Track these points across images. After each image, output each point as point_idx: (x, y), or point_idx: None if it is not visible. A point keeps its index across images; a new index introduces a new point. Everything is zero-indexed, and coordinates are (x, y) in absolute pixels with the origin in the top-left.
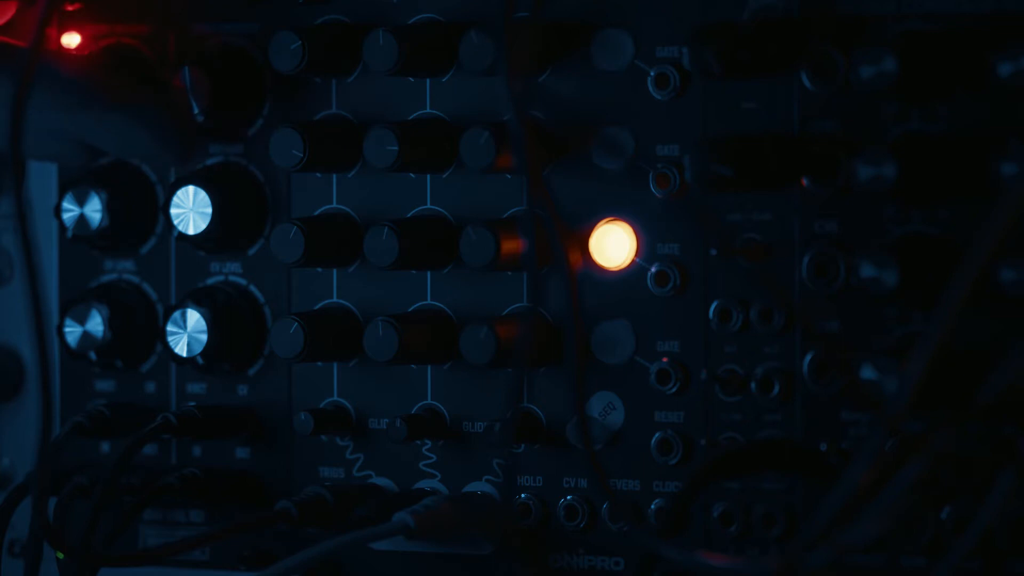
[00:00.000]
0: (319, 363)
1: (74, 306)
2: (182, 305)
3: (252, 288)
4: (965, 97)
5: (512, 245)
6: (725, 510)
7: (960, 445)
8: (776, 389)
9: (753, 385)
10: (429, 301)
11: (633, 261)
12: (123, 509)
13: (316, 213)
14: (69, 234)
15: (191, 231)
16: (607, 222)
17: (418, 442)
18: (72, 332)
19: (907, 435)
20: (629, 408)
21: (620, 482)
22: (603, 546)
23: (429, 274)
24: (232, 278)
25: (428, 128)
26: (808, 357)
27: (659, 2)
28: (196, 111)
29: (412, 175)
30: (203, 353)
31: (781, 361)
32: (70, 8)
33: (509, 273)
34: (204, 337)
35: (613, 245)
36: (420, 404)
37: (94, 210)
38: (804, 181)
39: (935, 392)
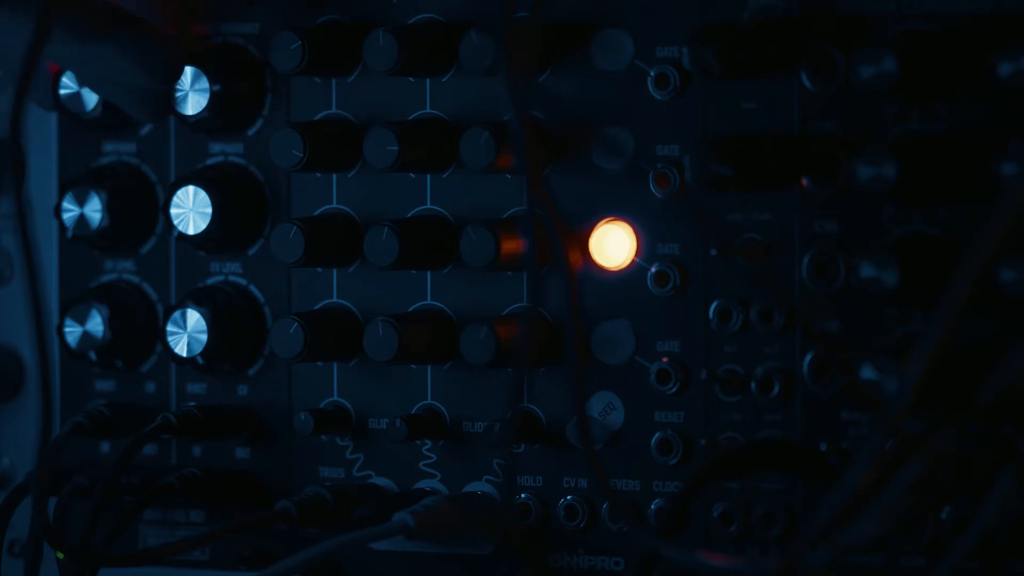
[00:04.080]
0: (319, 363)
1: (74, 306)
2: (182, 305)
3: (252, 288)
4: (965, 97)
5: (512, 245)
6: (725, 510)
7: (960, 445)
8: (776, 389)
9: (753, 385)
10: (429, 301)
11: (633, 261)
12: (123, 509)
13: (316, 213)
14: (69, 234)
15: (191, 231)
16: (607, 222)
17: (418, 442)
18: (72, 332)
19: (907, 435)
20: (629, 408)
21: (620, 482)
22: (603, 546)
23: (429, 274)
24: (232, 278)
25: (428, 128)
26: (808, 357)
27: (659, 2)
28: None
29: (412, 175)
30: (203, 353)
31: (781, 361)
32: None
33: (509, 273)
34: (204, 337)
35: (613, 245)
36: (420, 404)
37: (94, 210)
38: (804, 181)
39: (935, 392)
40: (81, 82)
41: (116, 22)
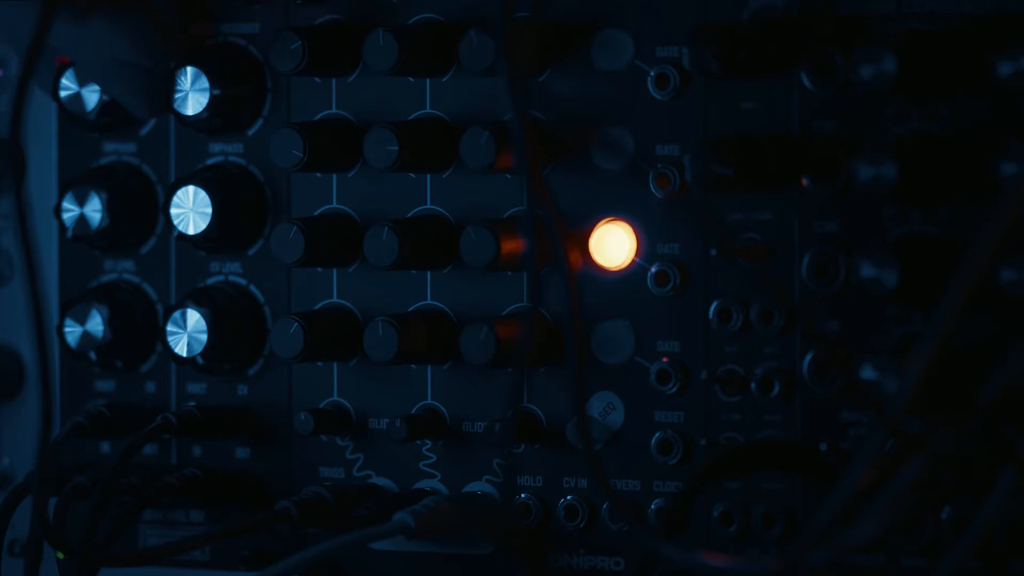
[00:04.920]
0: (319, 363)
1: (74, 306)
2: (182, 305)
3: (252, 288)
4: (965, 97)
5: (512, 245)
6: (725, 510)
7: (960, 445)
8: (776, 389)
9: (753, 385)
10: (429, 301)
11: (633, 261)
12: (123, 509)
13: (316, 213)
14: (69, 234)
15: (191, 231)
16: (607, 222)
17: (418, 442)
18: (72, 332)
19: (907, 435)
20: (629, 408)
21: (620, 482)
22: (603, 546)
23: (429, 274)
24: (232, 278)
25: (428, 128)
26: (808, 357)
27: (659, 2)
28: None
29: (412, 175)
30: (203, 353)
31: (781, 361)
32: None
33: (509, 273)
34: (204, 337)
35: (613, 245)
36: (420, 404)
37: (94, 210)
38: (804, 181)
39: (935, 392)
40: (80, 72)
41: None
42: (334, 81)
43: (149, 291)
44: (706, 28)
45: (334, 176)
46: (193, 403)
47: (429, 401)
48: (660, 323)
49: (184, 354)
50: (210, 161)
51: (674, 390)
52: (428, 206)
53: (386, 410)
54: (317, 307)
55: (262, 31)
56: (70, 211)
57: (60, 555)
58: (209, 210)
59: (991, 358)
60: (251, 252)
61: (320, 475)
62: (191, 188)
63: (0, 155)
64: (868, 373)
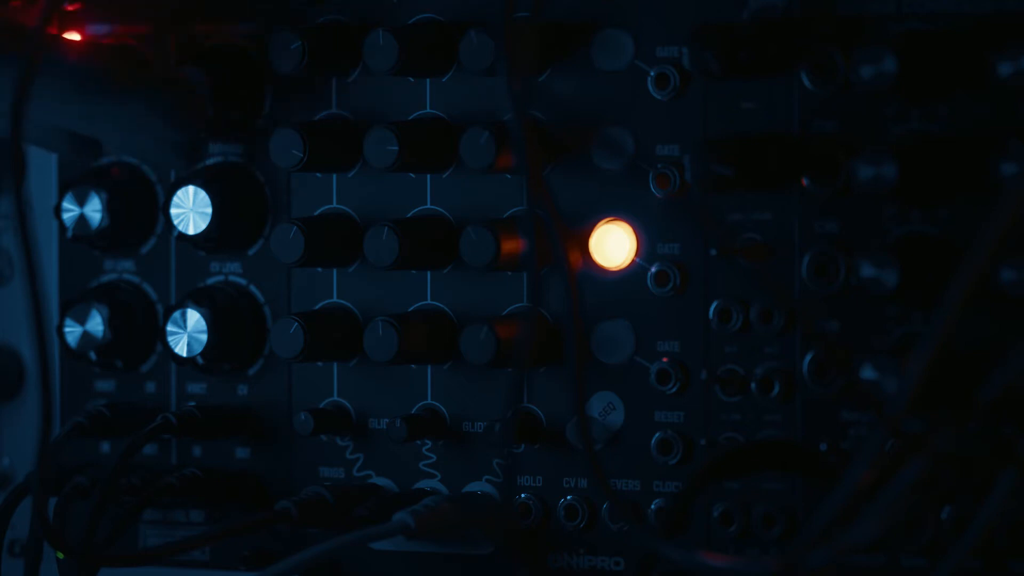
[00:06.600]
0: (319, 363)
1: (74, 306)
2: (182, 305)
3: (252, 288)
4: (965, 97)
5: (512, 245)
6: (725, 510)
7: (960, 445)
8: (776, 389)
9: (753, 385)
10: (429, 301)
11: (633, 261)
12: (123, 509)
13: (316, 213)
14: (69, 234)
15: (191, 231)
16: (607, 222)
17: (418, 442)
18: (72, 332)
19: (907, 435)
20: (629, 408)
21: (620, 482)
22: (603, 546)
23: (429, 274)
24: (232, 278)
25: (428, 128)
26: (808, 357)
27: (659, 2)
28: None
29: (412, 175)
30: (203, 353)
31: (781, 361)
32: (70, 8)
33: (509, 273)
34: (204, 337)
35: (613, 245)
36: (420, 404)
37: (94, 210)
38: (804, 181)
39: (935, 392)
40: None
41: (143, 77)
42: (334, 81)
43: (149, 291)
44: (706, 28)
45: (334, 176)
46: (193, 403)
47: (429, 401)
48: (660, 323)
49: (184, 354)
50: (210, 161)
51: (674, 390)
52: (428, 206)
53: (386, 410)
54: (317, 307)
55: (262, 31)
56: (70, 211)
57: (60, 555)
58: (209, 210)
59: (991, 358)
60: (251, 252)
61: (320, 475)
62: (191, 188)
63: (0, 155)
64: (868, 373)
